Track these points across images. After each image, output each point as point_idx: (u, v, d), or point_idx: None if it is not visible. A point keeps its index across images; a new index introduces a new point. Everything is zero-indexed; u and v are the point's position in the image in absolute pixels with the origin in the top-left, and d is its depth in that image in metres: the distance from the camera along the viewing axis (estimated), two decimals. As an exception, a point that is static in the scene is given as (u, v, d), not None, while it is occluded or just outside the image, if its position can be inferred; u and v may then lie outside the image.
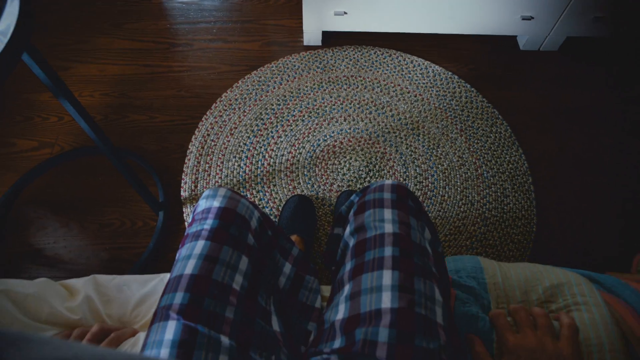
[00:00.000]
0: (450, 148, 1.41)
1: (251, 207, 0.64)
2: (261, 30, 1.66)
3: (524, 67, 1.59)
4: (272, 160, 1.37)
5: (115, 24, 1.66)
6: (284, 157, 1.37)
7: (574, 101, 1.52)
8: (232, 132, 1.41)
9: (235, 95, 1.49)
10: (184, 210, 1.28)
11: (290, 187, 1.32)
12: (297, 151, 1.38)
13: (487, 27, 1.52)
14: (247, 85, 1.51)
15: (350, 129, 1.43)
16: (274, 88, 1.50)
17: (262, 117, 1.44)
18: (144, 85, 1.52)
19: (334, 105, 1.47)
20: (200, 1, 1.74)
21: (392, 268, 0.53)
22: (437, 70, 1.57)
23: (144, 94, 1.50)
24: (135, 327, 0.64)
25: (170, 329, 0.48)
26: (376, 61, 1.58)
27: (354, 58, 1.58)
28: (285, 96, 1.48)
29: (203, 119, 1.44)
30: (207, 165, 1.36)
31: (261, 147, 1.39)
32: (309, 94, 1.49)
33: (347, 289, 0.56)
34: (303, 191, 1.31)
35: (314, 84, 1.51)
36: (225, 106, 1.46)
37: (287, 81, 1.52)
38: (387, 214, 0.59)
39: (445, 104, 1.49)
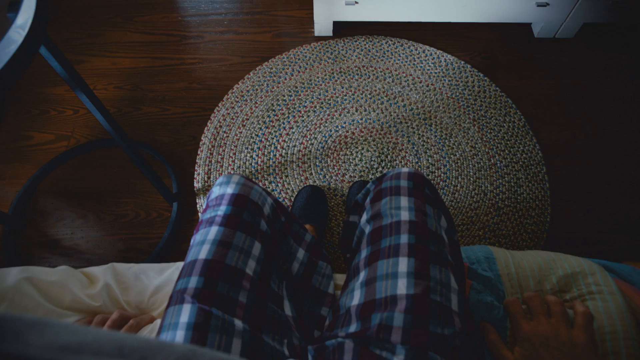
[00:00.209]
0: (463, 138, 1.39)
1: (264, 194, 0.64)
2: (272, 21, 1.66)
3: (538, 56, 1.57)
4: (284, 151, 1.37)
5: (126, 18, 1.67)
6: (296, 148, 1.37)
7: (590, 90, 1.49)
8: (244, 123, 1.42)
9: (247, 86, 1.49)
10: (197, 201, 1.30)
11: (302, 177, 1.33)
12: (309, 142, 1.39)
13: (500, 14, 1.50)
14: (259, 77, 1.51)
15: (362, 119, 1.42)
16: (286, 79, 1.50)
17: (273, 108, 1.45)
18: (156, 77, 1.53)
19: (345, 95, 1.47)
20: (211, -7, 1.74)
21: (407, 255, 0.54)
22: (450, 59, 1.55)
23: (156, 87, 1.51)
24: (153, 314, 0.65)
25: (186, 312, 0.49)
26: (388, 51, 1.57)
27: (365, 48, 1.57)
28: (296, 87, 1.48)
29: (215, 110, 1.45)
30: (220, 156, 1.37)
31: (273, 138, 1.39)
32: (321, 85, 1.49)
33: (362, 275, 0.56)
34: (315, 182, 1.32)
35: (325, 75, 1.51)
36: (237, 98, 1.47)
37: (299, 72, 1.52)
38: (404, 201, 0.60)
39: (457, 94, 1.47)
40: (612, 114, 1.44)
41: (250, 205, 0.60)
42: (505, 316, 0.58)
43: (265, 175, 1.33)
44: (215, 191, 0.63)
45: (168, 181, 1.33)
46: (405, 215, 0.58)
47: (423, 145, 1.38)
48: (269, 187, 1.32)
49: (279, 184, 1.32)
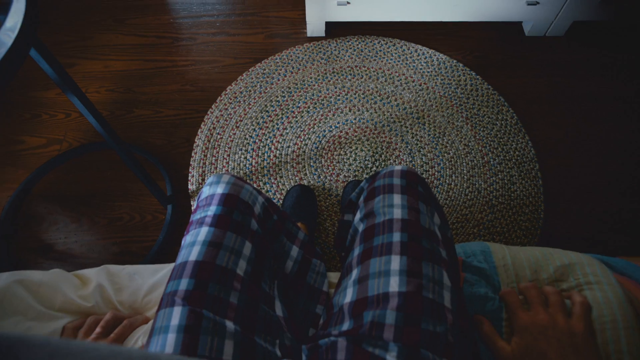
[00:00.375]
0: (456, 136, 1.40)
1: (255, 193, 0.64)
2: (264, 22, 1.66)
3: (529, 54, 1.58)
4: (278, 152, 1.37)
5: (118, 20, 1.66)
6: (289, 149, 1.37)
7: (580, 87, 1.50)
8: (237, 125, 1.42)
9: (240, 88, 1.49)
10: (192, 204, 1.29)
11: (296, 178, 1.33)
12: (303, 142, 1.39)
13: (491, 13, 1.51)
14: (252, 78, 1.51)
15: (355, 119, 1.43)
16: (279, 80, 1.50)
17: (267, 109, 1.44)
18: (148, 80, 1.53)
19: (338, 95, 1.47)
20: (203, -5, 1.74)
21: (400, 253, 0.54)
22: (442, 58, 1.56)
23: (149, 89, 1.51)
24: (147, 314, 0.65)
25: (176, 315, 0.49)
26: (380, 51, 1.57)
27: (358, 48, 1.58)
28: (289, 88, 1.48)
29: (208, 112, 1.44)
30: (214, 158, 1.36)
31: (267, 139, 1.39)
32: (314, 85, 1.49)
33: (355, 273, 0.56)
34: (310, 182, 1.32)
35: (318, 75, 1.51)
36: (230, 99, 1.47)
37: (292, 73, 1.52)
38: (397, 199, 0.60)
39: (450, 92, 1.48)
40: (603, 111, 1.45)
41: (241, 204, 0.60)
42: (500, 307, 0.58)
43: (259, 176, 1.33)
44: (205, 191, 0.63)
45: (162, 184, 1.32)
46: (397, 213, 0.58)
47: (417, 144, 1.38)
48: (263, 188, 1.31)
49: (274, 185, 1.32)
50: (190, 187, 1.32)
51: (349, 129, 1.41)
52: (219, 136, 1.40)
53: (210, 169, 1.35)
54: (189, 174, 1.34)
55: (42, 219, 1.28)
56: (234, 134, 1.40)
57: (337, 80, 1.50)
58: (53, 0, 1.71)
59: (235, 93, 1.48)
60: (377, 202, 0.61)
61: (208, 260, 0.53)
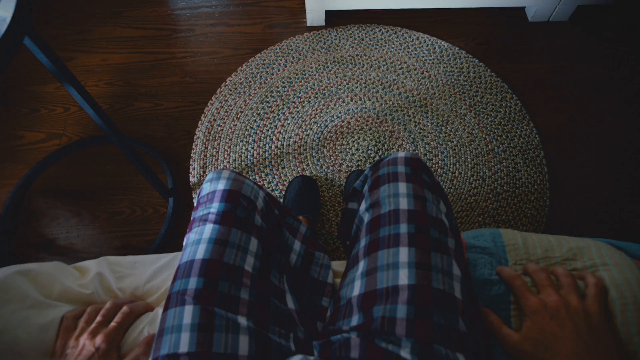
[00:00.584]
0: (460, 124, 1.38)
1: (256, 188, 0.63)
2: (263, 12, 1.64)
3: (533, 39, 1.55)
4: (279, 142, 1.36)
5: (115, 13, 1.64)
6: (291, 140, 1.36)
7: (585, 72, 1.48)
8: (238, 116, 1.40)
9: (240, 79, 1.47)
10: (193, 196, 1.28)
11: (298, 169, 1.31)
12: (305, 133, 1.37)
13: (494, -2, 1.48)
14: (252, 69, 1.49)
15: (357, 108, 1.41)
16: (279, 70, 1.48)
17: (267, 100, 1.43)
18: (147, 72, 1.51)
19: (340, 85, 1.45)
20: (201, -15, 1.71)
21: (408, 245, 0.53)
22: (444, 45, 1.53)
23: (148, 82, 1.49)
24: (149, 300, 0.63)
25: (188, 313, 0.48)
26: (381, 39, 1.55)
27: (359, 37, 1.56)
28: (290, 78, 1.47)
29: (209, 104, 1.43)
30: (215, 150, 1.35)
31: (268, 130, 1.38)
32: (315, 75, 1.47)
33: (362, 265, 0.55)
34: (312, 172, 1.31)
35: (319, 65, 1.49)
36: (231, 90, 1.45)
37: (292, 63, 1.50)
38: (402, 188, 0.58)
39: (453, 80, 1.46)
40: (609, 96, 1.43)
41: (244, 200, 0.59)
42: (508, 290, 0.56)
43: (261, 168, 1.32)
44: (206, 188, 0.62)
45: (163, 177, 1.31)
46: (404, 203, 0.57)
47: (420, 132, 1.37)
48: (265, 180, 1.30)
49: (276, 176, 1.30)
50: (191, 179, 1.31)
51: (351, 118, 1.39)
52: (219, 128, 1.38)
53: (212, 161, 1.33)
54: (190, 167, 1.33)
55: (43, 214, 1.27)
56: (235, 125, 1.39)
57: (338, 69, 1.48)
58: (49, -7, 1.69)
59: (235, 84, 1.46)
60: (382, 191, 0.60)
61: (215, 258, 0.53)
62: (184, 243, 0.59)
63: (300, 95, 1.43)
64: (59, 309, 0.55)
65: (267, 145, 1.35)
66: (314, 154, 1.33)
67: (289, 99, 1.43)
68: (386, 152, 1.34)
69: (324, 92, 1.44)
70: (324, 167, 1.31)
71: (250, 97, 1.43)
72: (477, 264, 0.60)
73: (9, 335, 0.48)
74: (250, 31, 1.59)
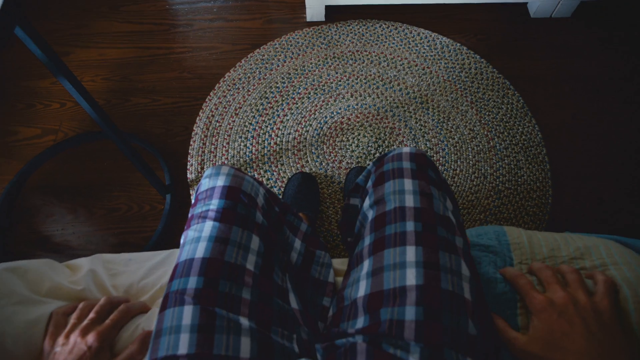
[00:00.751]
0: (461, 121, 1.37)
1: (256, 184, 0.61)
2: (262, 7, 1.62)
3: (535, 36, 1.54)
4: (278, 139, 1.34)
5: (112, 7, 1.62)
6: (290, 136, 1.34)
7: (588, 69, 1.46)
8: (236, 112, 1.38)
9: (239, 74, 1.45)
10: (191, 193, 1.27)
11: (298, 165, 1.29)
12: (304, 129, 1.35)
13: (496, -6, 1.46)
14: (251, 64, 1.47)
15: (357, 104, 1.39)
16: (278, 66, 1.46)
17: (266, 95, 1.41)
18: (145, 68, 1.49)
19: (340, 81, 1.43)
20: (199, -20, 1.69)
21: (415, 244, 0.51)
22: (445, 41, 1.51)
23: (145, 77, 1.47)
24: (143, 298, 0.62)
25: (188, 314, 0.47)
26: (382, 35, 1.53)
27: (359, 32, 1.54)
28: (289, 74, 1.45)
29: (207, 99, 1.41)
30: (213, 146, 1.33)
31: (267, 126, 1.36)
32: (314, 71, 1.45)
33: (367, 264, 0.53)
34: (312, 169, 1.29)
35: (318, 61, 1.47)
36: (229, 86, 1.43)
37: (291, 58, 1.48)
38: (408, 184, 0.56)
39: (454, 76, 1.44)
40: (612, 94, 1.41)
41: (244, 197, 0.57)
42: (513, 288, 0.54)
43: (260, 164, 1.30)
44: (205, 184, 0.60)
45: (160, 173, 1.29)
46: (410, 201, 0.55)
47: (421, 129, 1.35)
48: (264, 176, 1.28)
49: (275, 173, 1.29)
50: (189, 176, 1.29)
51: (351, 114, 1.37)
52: (218, 124, 1.36)
53: (210, 157, 1.32)
54: (188, 163, 1.31)
55: (38, 211, 1.25)
56: (233, 121, 1.37)
57: (338, 65, 1.47)
58: (45, -13, 1.66)
59: (234, 80, 1.44)
60: (387, 187, 0.58)
61: (216, 257, 0.51)
62: (182, 241, 0.57)
63: (299, 91, 1.41)
64: (48, 305, 0.53)
65: (266, 142, 1.33)
66: (313, 151, 1.32)
67: (289, 95, 1.41)
68: (387, 149, 1.32)
69: (323, 88, 1.42)
70: (323, 164, 1.30)
71: (249, 93, 1.41)
72: (481, 262, 0.58)
73: (-5, 332, 0.47)
74: (249, 26, 1.57)
